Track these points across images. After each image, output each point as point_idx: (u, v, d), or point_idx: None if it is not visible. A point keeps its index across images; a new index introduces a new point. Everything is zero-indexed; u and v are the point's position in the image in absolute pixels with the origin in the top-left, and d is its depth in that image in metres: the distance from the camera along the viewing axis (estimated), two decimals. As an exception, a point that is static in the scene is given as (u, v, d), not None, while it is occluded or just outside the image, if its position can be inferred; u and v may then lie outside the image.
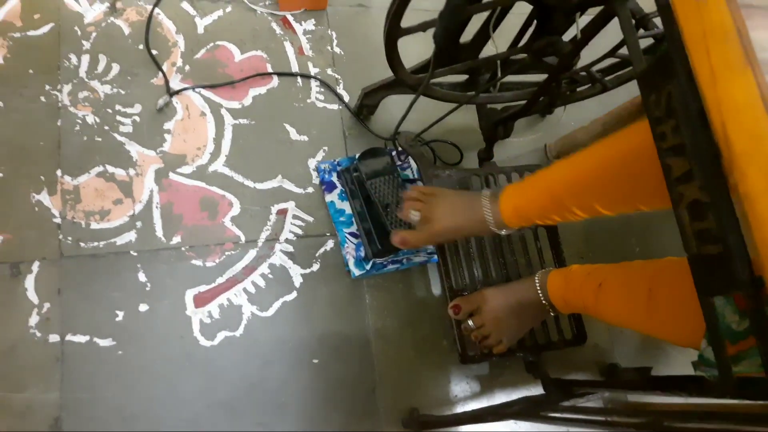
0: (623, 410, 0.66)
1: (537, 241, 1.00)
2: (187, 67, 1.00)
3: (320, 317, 0.93)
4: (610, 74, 0.95)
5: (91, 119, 0.92)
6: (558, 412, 0.74)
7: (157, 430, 0.82)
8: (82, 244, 0.86)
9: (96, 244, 0.87)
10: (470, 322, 0.88)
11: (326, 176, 1.00)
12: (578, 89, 0.94)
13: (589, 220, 0.78)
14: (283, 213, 0.97)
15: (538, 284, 0.86)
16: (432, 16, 0.70)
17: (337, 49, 1.10)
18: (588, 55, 0.83)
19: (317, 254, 0.96)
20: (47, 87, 0.92)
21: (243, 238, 0.93)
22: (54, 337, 0.82)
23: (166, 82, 0.97)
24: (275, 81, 1.04)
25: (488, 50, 0.82)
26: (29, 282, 0.83)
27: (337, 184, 1.00)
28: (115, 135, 0.93)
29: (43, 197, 0.87)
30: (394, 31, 0.72)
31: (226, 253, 0.92)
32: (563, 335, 0.95)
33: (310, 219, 0.98)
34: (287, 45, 1.07)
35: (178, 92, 0.98)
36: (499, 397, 0.97)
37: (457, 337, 0.90)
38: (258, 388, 0.87)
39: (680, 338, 0.64)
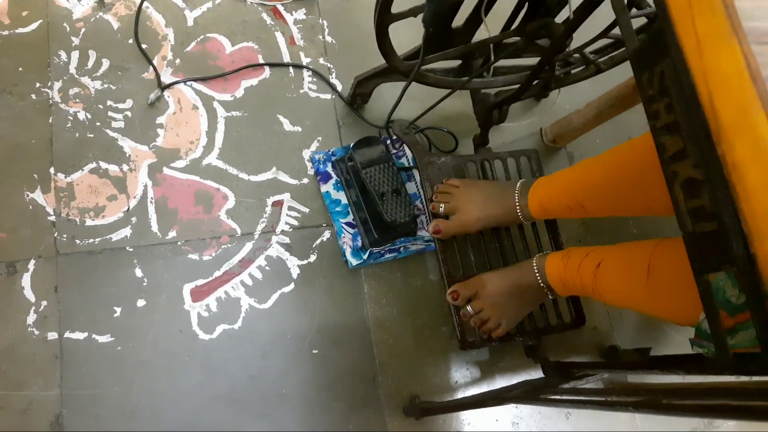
0: (622, 390, 0.66)
1: (534, 226, 1.00)
2: (177, 61, 0.99)
3: (318, 308, 0.93)
4: (604, 55, 0.94)
5: (82, 116, 0.92)
6: (558, 394, 0.74)
7: (158, 426, 0.82)
8: (78, 242, 0.86)
9: (91, 240, 0.87)
10: (469, 308, 0.88)
11: (321, 167, 0.99)
12: (572, 72, 0.93)
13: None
14: (278, 205, 0.97)
15: (536, 267, 0.86)
16: (422, 0, 0.69)
17: (328, 38, 1.09)
18: (581, 37, 0.82)
19: (314, 245, 0.96)
20: (38, 84, 0.91)
21: (239, 231, 0.93)
22: (52, 335, 0.82)
23: (157, 76, 0.97)
24: (267, 72, 1.03)
25: (481, 34, 0.82)
26: (26, 280, 0.83)
27: (333, 174, 0.99)
28: (108, 131, 0.92)
29: (37, 195, 0.87)
30: (384, 18, 0.72)
31: (223, 246, 0.92)
32: (562, 319, 0.95)
33: (306, 210, 0.98)
34: (278, 35, 1.06)
35: (169, 86, 0.97)
36: (500, 382, 0.97)
37: (456, 323, 0.90)
38: (258, 380, 0.87)
39: (679, 316, 0.64)
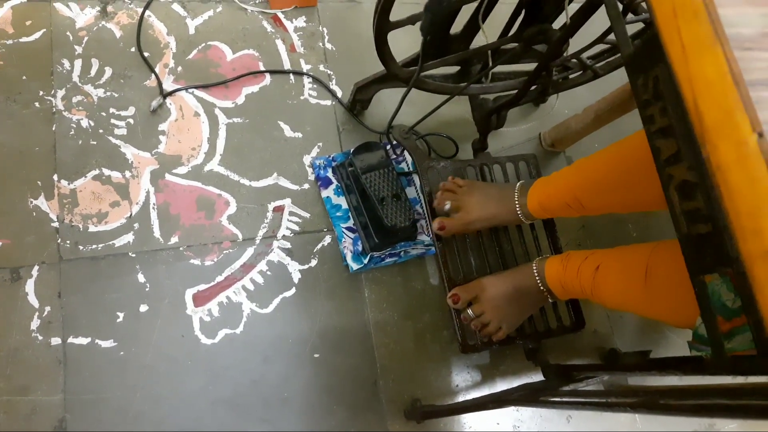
0: (621, 392, 0.67)
1: (534, 230, 1.00)
2: (179, 68, 1.00)
3: (320, 312, 0.94)
4: (600, 60, 0.95)
5: (85, 123, 0.93)
6: (558, 396, 0.74)
7: (161, 430, 0.82)
8: (81, 248, 0.87)
9: (94, 246, 0.87)
10: (470, 311, 0.89)
11: (321, 172, 1.00)
12: (570, 77, 0.94)
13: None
14: (279, 210, 0.97)
15: (535, 270, 0.87)
16: (421, 8, 0.70)
17: (328, 45, 1.10)
18: (578, 42, 0.83)
19: (315, 250, 0.97)
20: (41, 92, 0.92)
21: (240, 236, 0.94)
22: (56, 340, 0.82)
23: (159, 83, 0.98)
24: (268, 79, 1.04)
25: (479, 40, 0.83)
26: (29, 286, 0.84)
27: (333, 179, 1.00)
28: (110, 138, 0.93)
29: (41, 202, 0.88)
30: (383, 25, 0.73)
31: (224, 251, 0.93)
32: (562, 322, 0.96)
33: (307, 215, 0.98)
34: (279, 43, 1.07)
35: (171, 93, 0.98)
36: (500, 385, 0.97)
37: (456, 326, 0.91)
38: (260, 384, 0.88)
39: (677, 318, 0.65)
